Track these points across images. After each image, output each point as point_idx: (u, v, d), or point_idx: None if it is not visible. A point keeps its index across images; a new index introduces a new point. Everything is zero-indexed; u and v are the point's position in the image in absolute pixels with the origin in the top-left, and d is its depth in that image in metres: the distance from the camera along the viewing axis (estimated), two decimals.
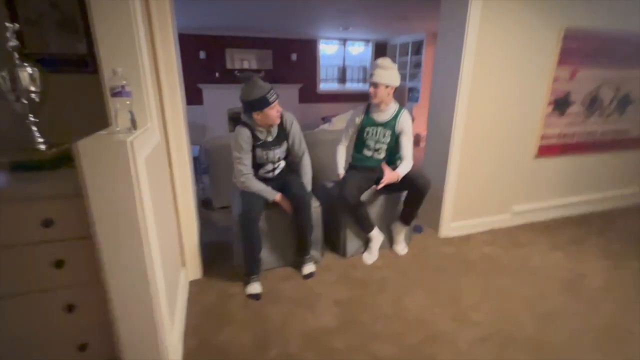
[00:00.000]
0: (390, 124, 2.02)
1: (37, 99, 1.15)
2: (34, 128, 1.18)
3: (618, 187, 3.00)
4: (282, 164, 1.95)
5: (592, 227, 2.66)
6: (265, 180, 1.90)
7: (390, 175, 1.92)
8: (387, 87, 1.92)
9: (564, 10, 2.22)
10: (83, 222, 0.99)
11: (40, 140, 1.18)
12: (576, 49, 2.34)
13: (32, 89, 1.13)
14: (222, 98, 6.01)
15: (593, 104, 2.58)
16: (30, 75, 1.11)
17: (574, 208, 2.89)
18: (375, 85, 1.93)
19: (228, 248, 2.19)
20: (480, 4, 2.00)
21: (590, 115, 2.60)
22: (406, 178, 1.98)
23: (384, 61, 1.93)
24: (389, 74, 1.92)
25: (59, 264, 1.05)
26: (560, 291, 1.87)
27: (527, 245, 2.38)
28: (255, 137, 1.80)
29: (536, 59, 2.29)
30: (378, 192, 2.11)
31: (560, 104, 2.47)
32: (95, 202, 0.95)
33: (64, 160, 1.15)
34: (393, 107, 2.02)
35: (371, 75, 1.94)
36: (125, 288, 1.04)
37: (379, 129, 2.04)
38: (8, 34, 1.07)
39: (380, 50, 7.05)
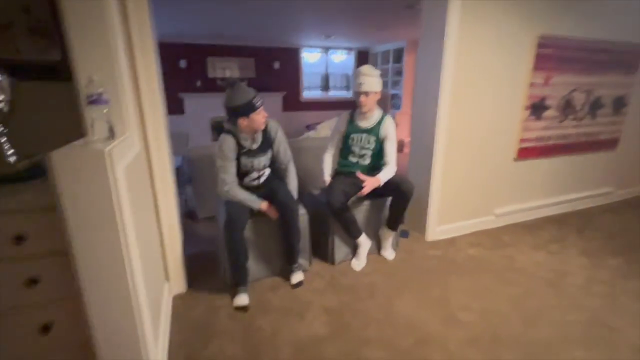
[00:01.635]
0: (375, 130, 2.04)
1: (5, 109, 1.09)
2: (3, 139, 1.11)
3: (593, 187, 3.14)
4: (267, 171, 1.93)
5: (571, 226, 2.76)
6: (250, 188, 1.87)
7: (372, 181, 1.93)
8: (375, 93, 1.95)
9: (538, 19, 2.33)
10: (58, 237, 0.93)
11: (11, 151, 1.11)
12: (550, 56, 2.45)
13: (1, 97, 1.07)
14: (204, 107, 5.93)
15: (567, 108, 2.70)
16: None
17: (554, 208, 2.99)
18: (366, 94, 1.94)
19: (214, 259, 2.13)
20: (459, 12, 2.07)
21: (564, 119, 2.73)
22: (390, 183, 2.00)
23: (369, 69, 1.95)
24: (376, 81, 1.95)
25: (32, 282, 0.98)
26: (544, 289, 1.92)
27: (510, 245, 2.44)
28: (239, 145, 1.77)
29: (513, 65, 2.38)
30: (363, 198, 2.11)
31: (537, 109, 2.58)
32: (71, 216, 0.90)
33: (36, 173, 1.09)
34: (377, 113, 2.05)
35: (360, 84, 1.93)
36: (105, 306, 0.99)
37: (364, 135, 2.06)
38: None
39: (363, 58, 7.18)
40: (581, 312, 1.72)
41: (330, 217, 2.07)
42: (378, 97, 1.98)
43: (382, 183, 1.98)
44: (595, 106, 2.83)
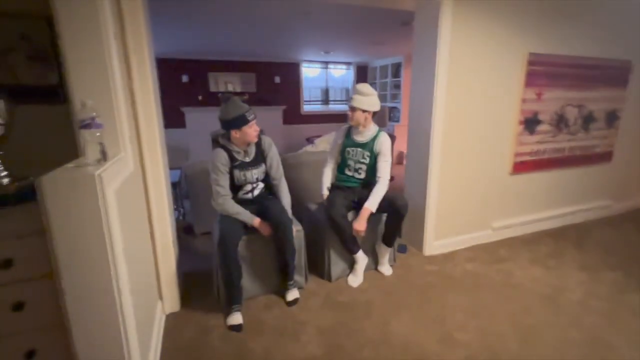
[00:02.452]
0: (369, 145, 2.06)
1: (1, 132, 1.11)
2: None
3: (590, 200, 3.13)
4: (261, 185, 1.94)
5: (568, 240, 2.74)
6: (244, 202, 1.88)
7: (362, 222, 1.97)
8: (364, 111, 1.99)
9: (526, 37, 2.38)
10: (46, 260, 0.93)
11: (4, 173, 1.13)
12: (540, 72, 2.49)
13: None
14: (205, 121, 5.99)
15: (560, 122, 2.73)
16: None
17: (551, 222, 2.98)
18: (352, 109, 2.01)
19: (209, 276, 2.11)
20: (449, 30, 2.12)
21: (558, 133, 2.75)
22: (384, 200, 2.01)
23: (363, 87, 2.02)
24: (366, 100, 1.99)
25: (18, 306, 0.98)
26: (542, 306, 1.89)
27: (508, 260, 2.42)
28: (232, 159, 1.80)
29: (504, 81, 2.42)
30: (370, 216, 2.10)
31: (530, 123, 2.60)
32: (59, 240, 0.91)
33: (28, 195, 1.10)
34: (372, 129, 2.08)
35: (351, 99, 2.03)
36: (91, 330, 0.98)
37: (359, 149, 2.08)
38: None
39: (362, 72, 7.30)
40: (580, 330, 1.69)
41: (327, 233, 2.06)
42: (368, 115, 2.03)
43: (373, 210, 2.00)
44: (588, 120, 2.85)
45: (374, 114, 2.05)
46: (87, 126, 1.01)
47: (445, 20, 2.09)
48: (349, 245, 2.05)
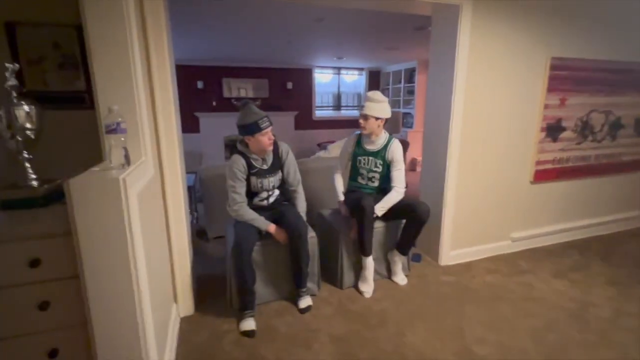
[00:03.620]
0: (381, 154, 2.04)
1: (32, 136, 1.15)
2: (27, 165, 1.17)
3: (618, 211, 3.00)
4: (277, 192, 1.94)
5: (594, 253, 2.62)
6: (259, 208, 1.88)
7: None
8: (377, 119, 1.98)
9: (549, 40, 2.32)
10: (72, 261, 0.95)
11: (33, 176, 1.17)
12: (564, 77, 2.42)
13: (28, 126, 1.14)
14: (219, 126, 6.12)
15: (584, 129, 2.63)
16: (27, 113, 1.12)
17: (575, 233, 2.86)
18: (365, 117, 1.99)
19: (222, 280, 2.11)
20: (468, 35, 2.09)
21: (583, 140, 2.65)
22: (405, 206, 1.98)
23: (375, 94, 2.01)
24: (379, 107, 1.98)
25: (43, 305, 1.00)
26: (567, 322, 1.80)
27: (529, 272, 2.33)
28: (250, 165, 1.81)
29: (525, 86, 2.36)
30: (378, 220, 2.08)
31: (553, 130, 2.52)
32: (83, 240, 0.93)
33: (56, 197, 1.14)
34: (383, 137, 2.06)
35: (362, 107, 2.01)
36: (112, 330, 0.99)
37: (370, 158, 2.07)
38: (7, 74, 1.09)
39: (374, 77, 7.29)
40: (610, 349, 1.60)
41: (341, 239, 2.04)
42: (380, 123, 2.00)
43: (379, 214, 1.97)
44: (615, 127, 2.74)
45: (386, 121, 2.03)
46: (112, 131, 1.03)
47: (464, 24, 2.06)
48: (366, 243, 1.97)
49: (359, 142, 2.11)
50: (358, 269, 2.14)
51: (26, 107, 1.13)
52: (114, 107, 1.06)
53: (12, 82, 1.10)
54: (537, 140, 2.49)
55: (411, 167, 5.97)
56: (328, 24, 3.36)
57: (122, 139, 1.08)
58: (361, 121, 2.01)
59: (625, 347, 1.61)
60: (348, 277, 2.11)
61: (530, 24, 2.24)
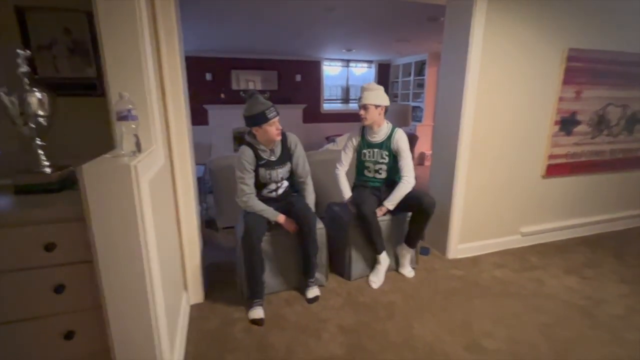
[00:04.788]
0: (385, 144, 2.02)
1: (44, 123, 1.16)
2: (40, 151, 1.18)
3: (632, 207, 2.93)
4: (285, 184, 1.93)
5: (607, 249, 2.57)
6: (268, 200, 1.88)
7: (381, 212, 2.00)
8: (377, 107, 1.95)
9: (566, 31, 2.24)
10: (85, 245, 0.96)
11: (46, 163, 1.18)
12: (581, 69, 2.35)
13: (40, 112, 1.14)
14: (228, 118, 6.11)
15: (600, 123, 2.56)
16: (39, 100, 1.13)
17: (586, 229, 2.81)
18: (364, 107, 1.97)
19: (231, 270, 2.14)
20: (482, 25, 2.03)
21: (597, 134, 2.58)
22: (411, 198, 1.96)
23: (369, 85, 2.00)
24: (375, 94, 1.95)
25: (59, 288, 1.02)
26: (578, 318, 1.78)
27: (539, 268, 2.30)
28: (258, 157, 1.80)
29: (540, 78, 2.30)
30: (385, 213, 2.06)
31: (567, 124, 2.46)
32: (97, 225, 0.94)
33: (68, 183, 1.15)
34: (386, 127, 2.03)
35: (359, 99, 2.00)
36: (125, 313, 1.01)
37: (376, 150, 2.04)
38: (19, 60, 1.09)
39: (383, 70, 7.19)
40: (622, 347, 1.57)
41: (350, 231, 2.04)
42: (381, 111, 1.98)
43: (390, 208, 1.98)
44: (632, 121, 2.66)
45: (386, 109, 2.00)
46: (124, 118, 1.03)
47: (479, 14, 2.01)
48: (376, 243, 2.00)
49: (362, 136, 2.09)
50: (365, 261, 2.13)
51: (38, 94, 1.13)
52: (125, 94, 1.05)
53: (24, 68, 1.11)
54: (551, 134, 2.43)
55: (419, 161, 5.91)
56: (339, 14, 3.30)
57: (133, 126, 1.08)
58: (362, 112, 1.99)
59: (638, 345, 1.58)
60: (356, 268, 2.11)
61: (547, 13, 2.17)
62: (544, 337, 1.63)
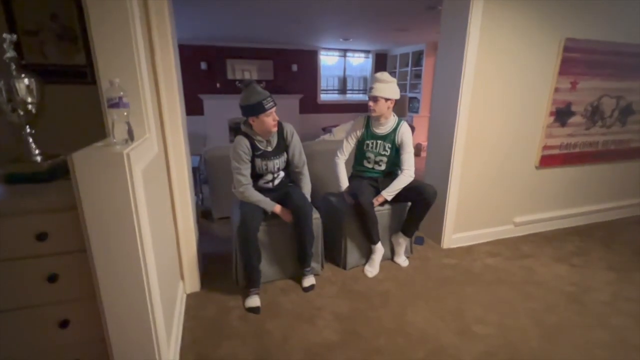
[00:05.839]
0: (390, 137, 2.01)
1: (33, 110, 1.14)
2: (30, 139, 1.16)
3: (622, 197, 2.97)
4: (282, 174, 1.93)
5: (596, 239, 2.62)
6: (264, 190, 1.88)
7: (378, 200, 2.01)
8: (387, 100, 1.93)
9: (564, 21, 2.23)
10: (78, 235, 0.96)
11: (37, 151, 1.16)
12: (577, 60, 2.34)
13: (29, 100, 1.12)
14: (223, 108, 6.04)
15: (594, 114, 2.57)
16: (27, 87, 1.10)
17: (578, 219, 2.85)
18: (375, 99, 1.93)
19: (227, 259, 2.15)
20: (480, 15, 2.01)
21: (592, 125, 2.60)
22: (412, 189, 1.97)
23: (383, 75, 1.94)
24: (388, 87, 1.92)
25: (53, 278, 1.02)
26: (566, 305, 1.82)
27: (530, 256, 2.34)
28: (254, 147, 1.78)
29: (536, 69, 2.29)
30: (382, 203, 2.07)
31: (562, 115, 2.47)
32: (89, 215, 0.93)
33: (59, 172, 1.13)
34: (392, 119, 2.02)
35: (370, 89, 1.95)
36: (120, 302, 1.01)
37: (379, 142, 2.03)
38: (5, 45, 1.06)
39: (381, 60, 7.12)
40: (607, 332, 1.62)
41: (345, 221, 2.05)
42: (390, 104, 1.95)
43: (388, 199, 1.99)
44: (626, 113, 2.68)
45: (395, 102, 1.99)
46: (115, 105, 1.01)
47: (477, 2, 1.98)
48: (372, 234, 2.02)
49: (367, 125, 2.07)
50: (360, 251, 2.16)
51: (26, 80, 1.10)
52: (116, 80, 1.03)
53: (11, 53, 1.08)
54: (546, 125, 2.44)
55: (416, 152, 5.91)
56: (336, 2, 3.24)
57: (125, 113, 1.06)
58: (371, 104, 1.95)
59: (622, 330, 1.64)
60: (351, 258, 2.13)
61: (544, 3, 2.15)
62: (533, 323, 1.67)
